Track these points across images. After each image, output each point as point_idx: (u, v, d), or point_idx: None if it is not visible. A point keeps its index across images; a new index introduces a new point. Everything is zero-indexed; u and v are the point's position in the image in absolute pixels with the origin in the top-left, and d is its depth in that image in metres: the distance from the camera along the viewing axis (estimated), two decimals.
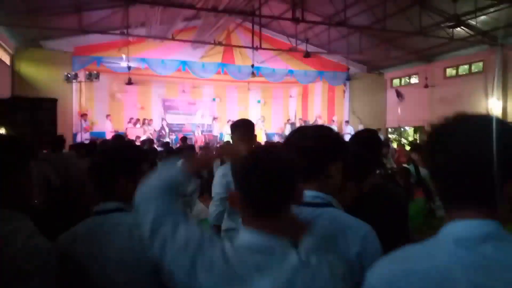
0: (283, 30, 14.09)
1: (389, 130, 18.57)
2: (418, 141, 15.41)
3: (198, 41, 13.33)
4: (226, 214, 2.84)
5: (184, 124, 18.97)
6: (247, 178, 1.13)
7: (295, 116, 20.58)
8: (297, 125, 18.42)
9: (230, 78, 16.05)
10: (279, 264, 1.07)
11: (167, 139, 15.57)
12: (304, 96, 20.49)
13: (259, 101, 20.81)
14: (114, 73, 14.57)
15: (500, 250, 0.82)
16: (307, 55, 12.62)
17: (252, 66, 13.98)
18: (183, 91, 18.87)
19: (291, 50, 13.98)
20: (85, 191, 3.39)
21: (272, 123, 20.03)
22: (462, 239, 0.84)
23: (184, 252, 1.11)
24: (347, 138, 13.10)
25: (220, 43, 13.51)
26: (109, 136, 14.58)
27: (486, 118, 0.91)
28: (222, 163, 6.01)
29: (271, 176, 1.09)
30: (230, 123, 17.47)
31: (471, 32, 12.22)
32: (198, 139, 17.07)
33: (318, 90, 19.31)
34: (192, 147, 8.04)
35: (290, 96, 21.21)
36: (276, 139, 17.24)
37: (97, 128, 15.73)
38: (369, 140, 2.20)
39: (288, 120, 18.86)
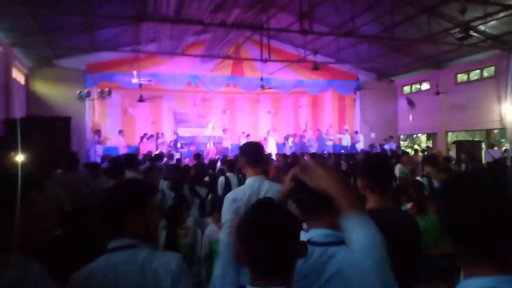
0: (292, 41, 14.16)
1: (402, 137, 18.42)
2: (430, 147, 15.25)
3: (208, 56, 13.46)
4: None
5: (195, 137, 19.12)
6: (248, 239, 1.14)
7: (306, 125, 20.57)
8: (308, 135, 18.40)
9: (240, 90, 16.15)
10: None
11: (177, 153, 15.67)
12: (314, 106, 20.47)
13: (269, 112, 20.86)
14: (126, 88, 14.79)
15: None
16: (315, 67, 12.65)
17: (261, 79, 14.04)
18: (193, 104, 19.04)
19: (300, 61, 14.02)
20: (97, 217, 3.42)
21: (282, 134, 20.00)
22: None
23: None
24: (359, 146, 12.98)
25: (229, 57, 13.62)
26: (122, 151, 14.78)
27: (496, 175, 0.89)
28: (226, 179, 6.04)
29: (272, 237, 1.10)
30: (243, 135, 17.72)
31: (482, 37, 12.11)
32: (210, 151, 17.21)
33: (328, 99, 19.29)
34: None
35: (300, 106, 21.21)
36: (286, 150, 17.19)
37: (110, 143, 15.95)
38: (381, 165, 2.19)
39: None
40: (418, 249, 2.01)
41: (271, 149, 17.04)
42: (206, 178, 6.46)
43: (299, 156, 11.39)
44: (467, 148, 12.20)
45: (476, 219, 0.85)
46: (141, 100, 13.35)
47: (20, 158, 5.46)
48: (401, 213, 2.25)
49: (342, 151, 14.39)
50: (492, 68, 13.53)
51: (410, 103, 15.28)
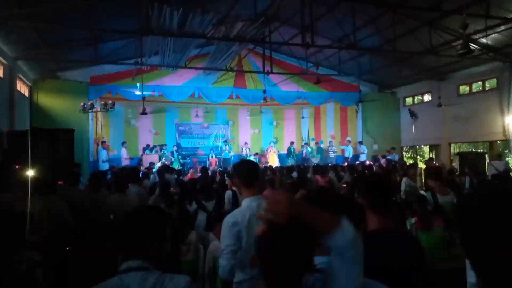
0: (294, 53, 14.26)
1: (404, 148, 18.40)
2: (433, 158, 15.20)
3: (211, 68, 13.55)
4: (238, 267, 2.60)
5: (198, 148, 19.18)
6: (264, 251, 1.15)
7: (308, 136, 20.60)
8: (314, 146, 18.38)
9: (242, 101, 16.22)
10: None
11: (178, 165, 15.71)
12: (317, 117, 20.53)
13: (271, 123, 20.91)
14: (129, 100, 14.88)
15: None
16: (318, 81, 12.73)
17: (264, 91, 14.09)
18: (196, 115, 19.14)
19: (302, 74, 14.08)
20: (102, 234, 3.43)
21: (285, 145, 20.03)
22: None
23: None
24: (362, 158, 12.90)
25: (231, 69, 13.70)
26: (124, 162, 14.83)
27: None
28: (233, 192, 6.00)
29: (288, 250, 1.11)
30: (245, 146, 17.77)
31: (483, 50, 12.15)
32: (212, 161, 17.31)
33: (331, 110, 19.34)
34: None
35: (303, 117, 21.27)
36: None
37: (113, 154, 15.99)
38: (380, 185, 2.19)
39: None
40: (422, 273, 1.98)
41: (272, 161, 17.07)
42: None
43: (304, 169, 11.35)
44: (471, 161, 12.13)
45: (494, 240, 0.83)
46: (144, 113, 13.40)
47: (27, 169, 5.48)
48: (403, 237, 2.20)
49: (346, 163, 14.35)
50: (494, 80, 13.56)
51: (412, 114, 15.28)
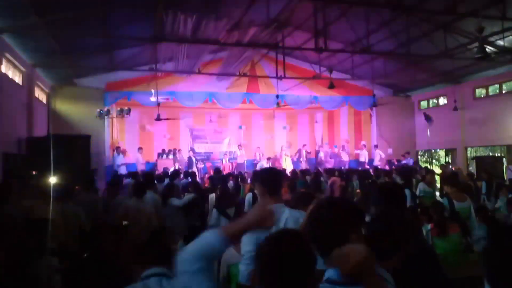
0: (307, 58, 14.24)
1: (420, 152, 18.18)
2: (449, 163, 14.98)
3: (224, 74, 13.63)
4: None
5: (212, 153, 19.25)
6: (263, 268, 1.16)
7: (322, 141, 20.49)
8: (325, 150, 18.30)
9: (256, 106, 16.24)
10: None
11: (194, 169, 15.76)
12: (330, 121, 20.42)
13: (284, 127, 20.87)
14: (144, 106, 15.04)
15: None
16: (331, 86, 12.69)
17: (277, 96, 14.08)
18: (210, 120, 19.22)
19: (315, 78, 14.04)
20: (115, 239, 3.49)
21: (297, 149, 19.95)
22: None
23: None
24: (376, 161, 12.74)
25: (244, 74, 13.76)
26: (140, 167, 14.98)
27: None
28: (254, 194, 5.99)
29: (286, 268, 1.12)
30: (258, 150, 17.76)
31: (499, 52, 11.95)
32: (226, 166, 17.33)
33: (344, 115, 19.22)
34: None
35: (316, 122, 21.18)
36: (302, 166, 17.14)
37: (128, 160, 16.15)
38: (393, 193, 2.18)
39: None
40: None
41: (286, 165, 17.03)
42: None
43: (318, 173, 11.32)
44: (488, 165, 11.92)
45: None
46: (158, 119, 13.54)
47: (46, 176, 5.63)
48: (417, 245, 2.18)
49: (360, 167, 14.24)
50: (511, 83, 13.33)
51: (427, 118, 15.09)
